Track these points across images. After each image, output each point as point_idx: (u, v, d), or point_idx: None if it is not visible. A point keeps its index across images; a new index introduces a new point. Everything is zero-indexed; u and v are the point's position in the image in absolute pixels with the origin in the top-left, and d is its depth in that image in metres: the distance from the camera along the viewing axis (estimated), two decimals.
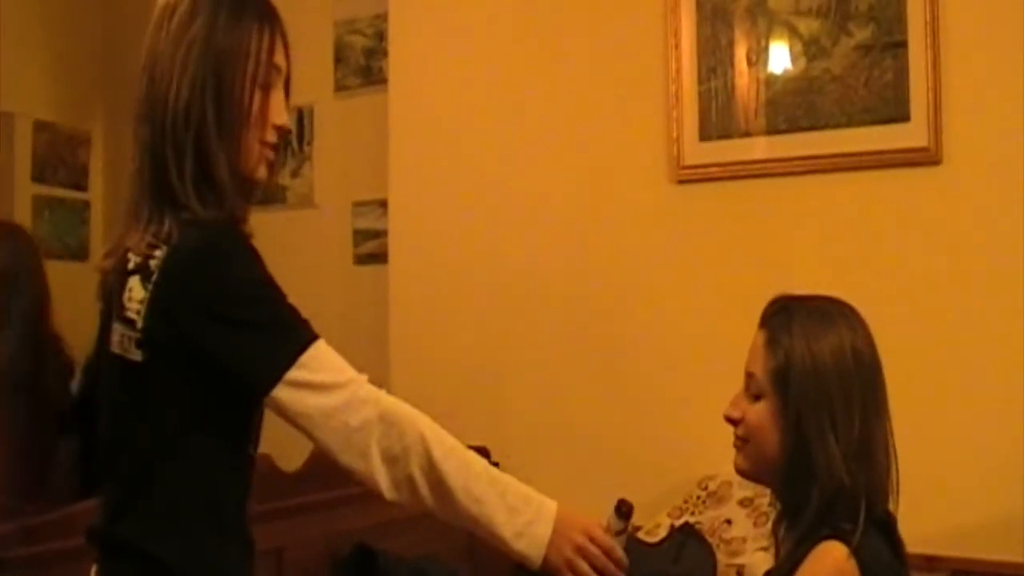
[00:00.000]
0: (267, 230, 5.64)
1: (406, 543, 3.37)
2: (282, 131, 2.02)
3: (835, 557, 1.89)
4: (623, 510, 2.07)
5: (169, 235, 1.86)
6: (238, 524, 1.97)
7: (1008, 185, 3.23)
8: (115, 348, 1.90)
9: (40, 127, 5.64)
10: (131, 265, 1.89)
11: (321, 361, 1.86)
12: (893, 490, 2.00)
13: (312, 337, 1.86)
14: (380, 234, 4.81)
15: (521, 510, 1.98)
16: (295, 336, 1.85)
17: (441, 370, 4.21)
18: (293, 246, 5.20)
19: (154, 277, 1.85)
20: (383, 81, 4.68)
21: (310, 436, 1.86)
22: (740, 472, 2.12)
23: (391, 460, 1.87)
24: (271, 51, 2.00)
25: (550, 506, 2.02)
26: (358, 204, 5.05)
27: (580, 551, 1.96)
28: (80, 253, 5.44)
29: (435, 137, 4.31)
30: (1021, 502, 3.13)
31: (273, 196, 5.28)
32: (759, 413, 2.04)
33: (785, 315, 2.06)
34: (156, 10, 1.99)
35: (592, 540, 1.98)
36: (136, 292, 1.87)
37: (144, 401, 1.88)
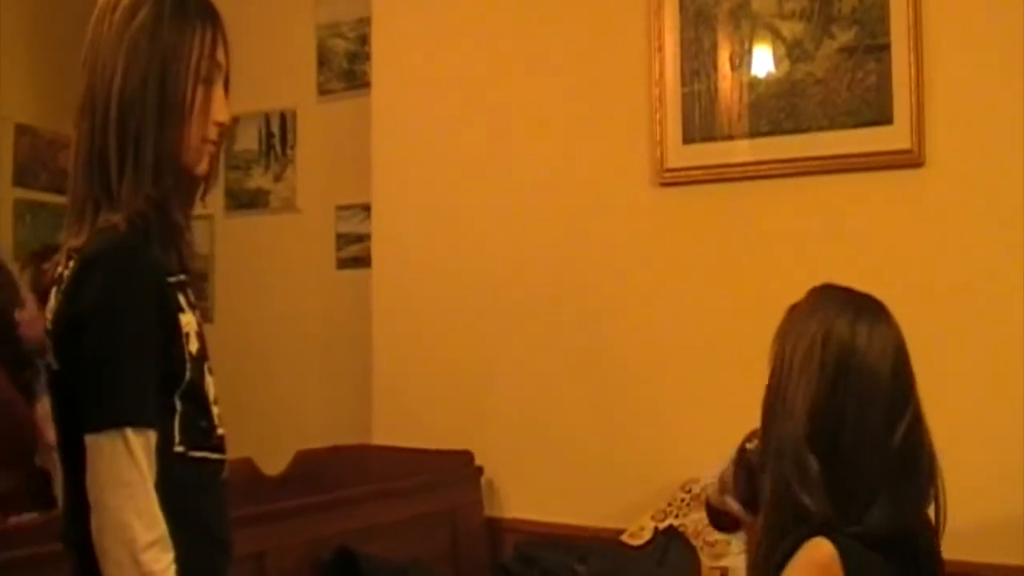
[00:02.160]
0: (249, 234, 5.68)
1: (388, 547, 3.36)
2: (223, 128, 2.05)
3: (821, 553, 1.90)
4: None
5: (84, 245, 1.91)
6: (194, 523, 1.96)
7: (991, 187, 3.23)
8: (48, 356, 1.95)
9: (21, 131, 5.62)
10: (54, 276, 1.96)
11: (145, 458, 1.83)
12: (919, 505, 2.02)
13: (140, 423, 1.83)
14: (363, 238, 4.81)
15: None
16: (124, 407, 1.83)
17: (424, 374, 4.20)
18: (276, 250, 5.20)
19: (63, 286, 1.91)
20: (366, 85, 4.67)
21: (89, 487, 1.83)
22: None
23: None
24: (213, 47, 2.02)
25: None
26: (341, 208, 5.05)
27: None
28: None
29: (418, 141, 4.30)
30: (1014, 505, 3.13)
31: (255, 200, 5.27)
32: None
33: (803, 300, 2.15)
34: (98, 4, 2.02)
35: None
36: (52, 302, 1.94)
37: (67, 406, 1.90)
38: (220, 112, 2.04)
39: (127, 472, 1.80)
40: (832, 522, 1.93)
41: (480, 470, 3.98)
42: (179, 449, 1.93)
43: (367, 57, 4.75)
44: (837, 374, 2.00)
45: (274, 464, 3.45)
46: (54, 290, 1.95)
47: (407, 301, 4.30)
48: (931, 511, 2.09)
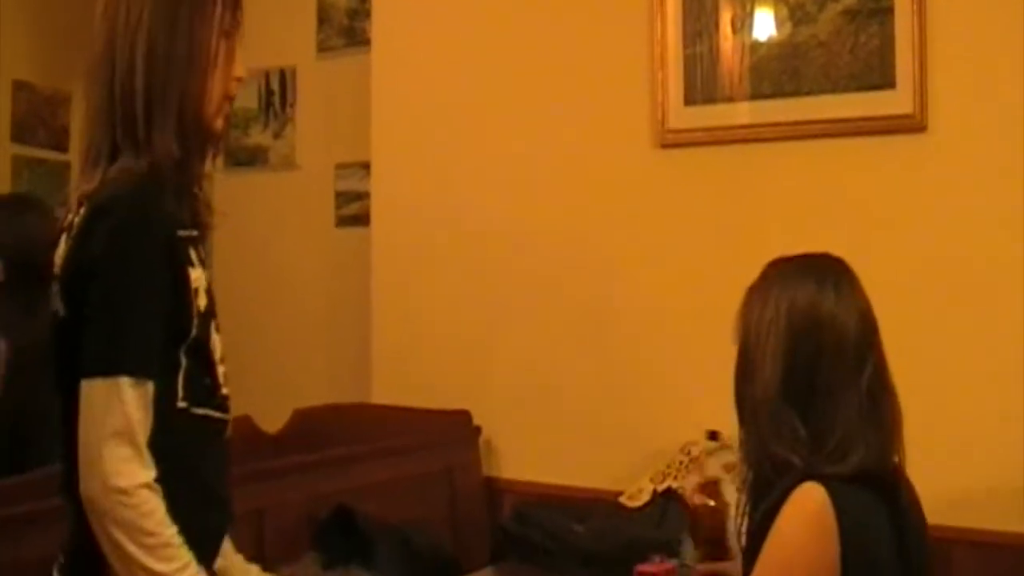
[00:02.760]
0: (248, 192, 5.67)
1: (386, 506, 3.37)
2: (239, 83, 2.07)
3: (812, 498, 1.91)
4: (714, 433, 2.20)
5: (97, 191, 1.91)
6: (196, 480, 1.98)
7: (993, 153, 3.22)
8: (52, 304, 1.95)
9: (19, 87, 5.60)
10: (65, 223, 1.96)
11: (139, 409, 1.83)
12: (880, 448, 2.03)
13: (138, 373, 1.84)
14: (362, 196, 4.79)
15: None
16: (123, 355, 1.83)
17: (424, 334, 4.20)
18: (275, 208, 5.20)
19: (72, 232, 1.91)
20: (366, 42, 4.64)
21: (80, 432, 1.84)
22: None
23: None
24: (235, 1, 2.04)
25: None
26: (340, 166, 5.04)
27: None
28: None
29: (418, 99, 4.29)
30: (1008, 471, 3.15)
31: (255, 158, 5.26)
32: None
33: (758, 277, 2.16)
34: None
35: None
36: (61, 248, 1.94)
37: (69, 354, 1.90)
38: (239, 67, 2.05)
39: (119, 420, 1.80)
40: (815, 467, 1.95)
41: (478, 430, 3.99)
42: (182, 405, 1.94)
43: (367, 14, 4.72)
44: (807, 331, 2.05)
45: (272, 422, 3.46)
46: (64, 236, 1.94)
47: (406, 260, 4.29)
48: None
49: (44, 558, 2.02)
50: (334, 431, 3.51)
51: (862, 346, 2.06)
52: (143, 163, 1.90)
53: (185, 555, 1.84)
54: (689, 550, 2.27)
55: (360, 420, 3.75)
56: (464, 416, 3.97)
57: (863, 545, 1.92)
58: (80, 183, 1.97)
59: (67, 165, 5.66)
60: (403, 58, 4.34)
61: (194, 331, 1.93)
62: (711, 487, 2.33)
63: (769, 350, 2.04)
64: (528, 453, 3.96)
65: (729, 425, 3.40)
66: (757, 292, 2.13)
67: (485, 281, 4.08)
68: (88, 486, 1.81)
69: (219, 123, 2.04)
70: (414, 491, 3.64)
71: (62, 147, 5.72)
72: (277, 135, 5.23)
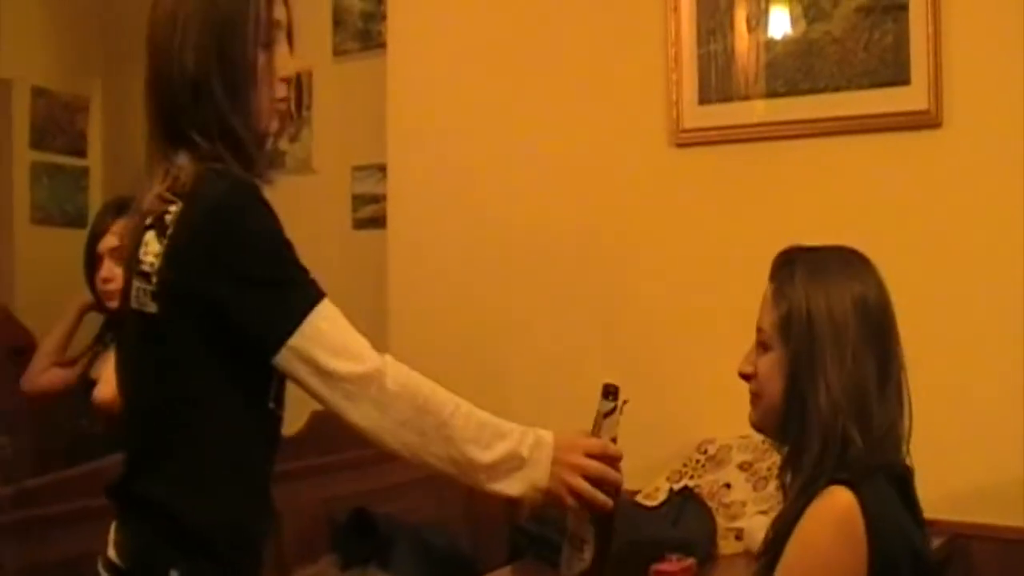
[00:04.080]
0: (265, 195, 5.60)
1: (403, 507, 3.37)
2: (289, 81, 2.06)
3: (841, 501, 1.88)
4: (610, 390, 2.13)
5: (184, 188, 1.88)
6: (261, 483, 2.00)
7: (1008, 148, 3.21)
8: (132, 303, 1.91)
9: (38, 93, 5.62)
10: (147, 222, 1.90)
11: (332, 329, 1.93)
12: (906, 441, 2.02)
13: (320, 296, 1.92)
14: (379, 198, 4.81)
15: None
16: (306, 298, 1.90)
17: (440, 336, 4.20)
18: (291, 211, 5.12)
19: (169, 231, 1.86)
20: (382, 45, 4.66)
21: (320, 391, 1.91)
22: (753, 426, 2.12)
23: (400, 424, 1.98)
24: (270, 9, 2.00)
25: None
26: (357, 168, 5.05)
27: (577, 469, 2.00)
28: (78, 220, 5.40)
29: (434, 101, 4.29)
30: (1021, 467, 3.14)
31: (271, 161, 5.26)
32: (767, 364, 2.05)
33: (790, 267, 2.07)
34: None
35: (587, 454, 2.03)
36: (152, 246, 1.88)
37: (159, 354, 1.89)
38: (284, 68, 2.03)
39: (342, 321, 1.96)
40: (866, 468, 1.92)
41: None
42: (271, 408, 1.97)
43: (382, 17, 4.74)
44: (883, 327, 2.00)
45: (290, 424, 3.45)
46: (152, 232, 1.88)
47: (423, 261, 4.30)
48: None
49: (67, 559, 2.03)
50: (351, 433, 3.51)
51: (896, 343, 2.05)
52: (230, 169, 1.91)
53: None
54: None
55: None
56: None
57: (891, 548, 1.90)
58: (151, 185, 1.93)
59: (85, 171, 5.69)
60: (418, 60, 4.34)
61: None
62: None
63: (851, 342, 1.97)
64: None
65: (738, 428, 3.42)
66: (809, 281, 2.03)
67: (501, 282, 4.08)
68: (380, 403, 1.99)
69: (274, 125, 2.06)
70: (431, 492, 3.63)
71: (80, 153, 5.75)
72: (293, 138, 5.24)
